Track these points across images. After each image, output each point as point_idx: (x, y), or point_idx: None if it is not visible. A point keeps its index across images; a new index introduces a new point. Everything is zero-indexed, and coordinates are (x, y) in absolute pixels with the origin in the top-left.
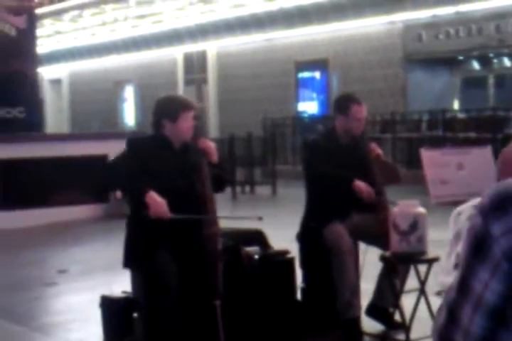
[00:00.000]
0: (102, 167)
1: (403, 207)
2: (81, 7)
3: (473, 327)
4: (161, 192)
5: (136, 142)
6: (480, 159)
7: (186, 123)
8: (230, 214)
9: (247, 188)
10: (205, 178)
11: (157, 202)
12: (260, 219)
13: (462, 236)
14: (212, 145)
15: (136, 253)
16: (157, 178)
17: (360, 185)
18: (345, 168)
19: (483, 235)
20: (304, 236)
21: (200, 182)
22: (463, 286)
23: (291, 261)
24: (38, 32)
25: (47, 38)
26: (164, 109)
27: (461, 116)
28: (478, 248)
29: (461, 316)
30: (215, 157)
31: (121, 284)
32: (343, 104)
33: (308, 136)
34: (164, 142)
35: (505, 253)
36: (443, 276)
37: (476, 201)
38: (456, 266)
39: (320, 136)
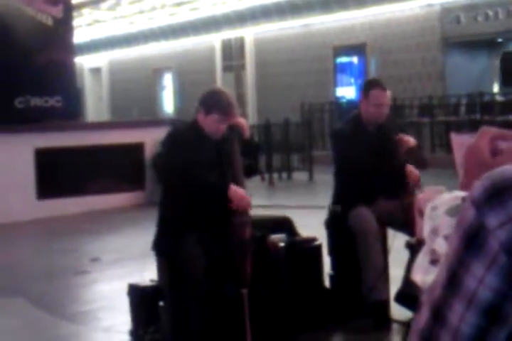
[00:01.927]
0: (155, 165)
1: (428, 192)
2: None
3: (464, 326)
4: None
5: (175, 131)
6: None
7: (214, 125)
8: (266, 200)
9: (284, 174)
10: (238, 168)
11: (241, 196)
12: None
13: (440, 232)
14: (243, 122)
15: (163, 240)
16: (196, 168)
17: (411, 169)
18: (371, 154)
19: (477, 227)
20: (332, 223)
21: (232, 171)
22: (453, 283)
23: (318, 248)
24: (77, 21)
25: (86, 27)
26: (204, 99)
27: (499, 99)
28: (471, 241)
29: (450, 315)
30: (247, 132)
31: (153, 272)
32: (365, 88)
33: (336, 125)
34: (198, 132)
35: (503, 245)
36: (421, 274)
37: (454, 194)
38: (432, 262)
39: (346, 124)
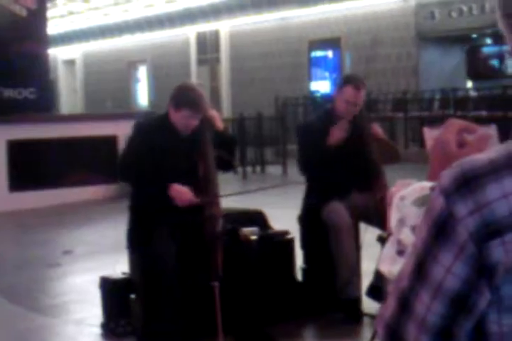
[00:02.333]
0: (117, 163)
1: (400, 186)
2: None
3: (430, 316)
4: (165, 173)
5: (142, 126)
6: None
7: (183, 120)
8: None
9: (258, 168)
10: (209, 160)
11: (181, 192)
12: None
13: (407, 222)
14: (215, 114)
15: (135, 234)
16: (162, 160)
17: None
18: (340, 148)
19: (446, 216)
20: (305, 217)
21: (203, 163)
22: (420, 272)
23: (290, 241)
24: (51, 12)
25: (60, 19)
26: (174, 94)
27: (472, 94)
28: (439, 230)
29: (416, 305)
30: (219, 124)
31: (125, 265)
32: (341, 83)
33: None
34: (168, 125)
35: (472, 234)
36: (388, 265)
37: (422, 184)
38: (399, 253)
39: (315, 118)
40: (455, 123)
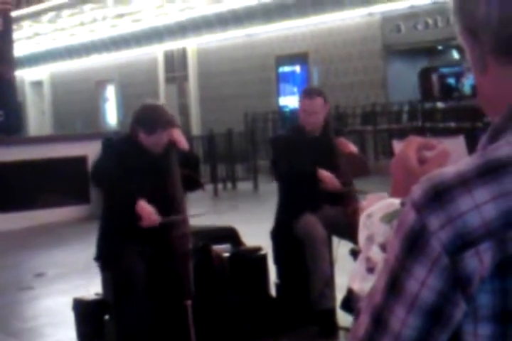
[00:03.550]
0: (90, 171)
1: (371, 199)
2: (59, 8)
3: (405, 330)
4: (133, 193)
5: (111, 143)
6: (451, 149)
7: (160, 140)
8: (211, 210)
9: (229, 184)
10: (176, 180)
11: (148, 211)
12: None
13: (375, 239)
14: (178, 135)
15: (104, 252)
16: (129, 179)
17: (324, 174)
18: (311, 160)
19: (418, 230)
20: (277, 232)
21: (170, 183)
22: (393, 287)
23: (263, 257)
24: (17, 34)
25: (26, 40)
26: (143, 119)
27: (440, 106)
28: (412, 244)
29: (391, 320)
30: (183, 144)
31: (98, 286)
32: (299, 96)
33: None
34: (136, 146)
35: (445, 246)
36: (359, 282)
37: (389, 201)
38: (369, 270)
39: (286, 131)
40: (414, 141)
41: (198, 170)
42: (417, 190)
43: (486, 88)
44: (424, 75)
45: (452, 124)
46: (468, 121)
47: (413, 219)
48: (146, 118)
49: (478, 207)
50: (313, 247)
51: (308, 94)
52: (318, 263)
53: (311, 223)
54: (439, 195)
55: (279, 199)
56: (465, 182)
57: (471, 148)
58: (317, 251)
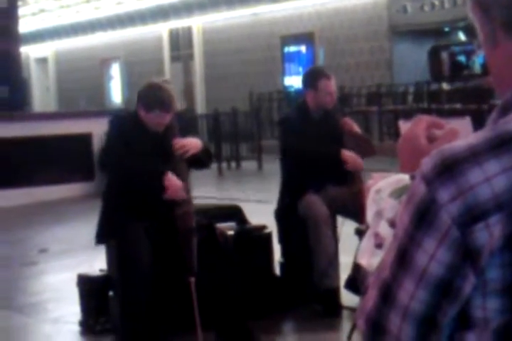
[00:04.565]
0: (99, 153)
1: (377, 179)
2: None
3: (414, 303)
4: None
5: (118, 120)
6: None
7: (156, 120)
8: (215, 190)
9: (233, 164)
10: (179, 159)
11: (176, 184)
12: None
13: (383, 215)
14: (190, 142)
15: (109, 227)
16: (134, 156)
17: (348, 154)
18: (318, 141)
19: (428, 203)
20: (282, 212)
21: (173, 162)
22: (402, 261)
23: (268, 236)
24: (22, 10)
25: (32, 17)
26: (143, 96)
27: (446, 87)
28: (422, 217)
29: (399, 294)
30: (194, 150)
31: (102, 263)
32: (312, 78)
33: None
34: (139, 123)
35: (455, 219)
36: (367, 258)
37: (398, 177)
38: (377, 245)
39: (292, 112)
40: (424, 119)
41: (210, 155)
42: (427, 163)
43: (496, 63)
44: (434, 53)
45: (458, 106)
46: (475, 103)
47: (423, 191)
48: (145, 95)
49: (489, 179)
50: (316, 227)
51: (325, 74)
52: (322, 242)
53: (314, 203)
54: (450, 168)
55: (283, 179)
56: (475, 155)
57: (478, 129)
58: (320, 231)
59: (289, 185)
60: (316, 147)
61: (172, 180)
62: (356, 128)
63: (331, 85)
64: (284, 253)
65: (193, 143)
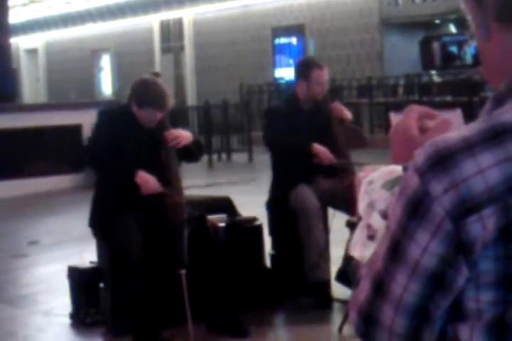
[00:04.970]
0: (85, 150)
1: (368, 171)
2: None
3: (407, 296)
4: (128, 163)
5: (107, 114)
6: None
7: (148, 117)
8: (206, 182)
9: (224, 155)
10: (170, 150)
11: (147, 180)
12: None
13: (376, 206)
14: (184, 134)
15: (99, 217)
16: (125, 150)
17: (319, 148)
18: (307, 132)
19: (421, 195)
20: (272, 204)
21: (164, 154)
22: (395, 253)
23: (258, 228)
24: (12, 1)
25: (22, 7)
26: (135, 91)
27: (437, 80)
28: (415, 209)
29: (392, 286)
30: (186, 142)
31: (92, 254)
32: (304, 68)
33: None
34: (131, 117)
35: (448, 211)
36: (359, 249)
37: (390, 168)
38: (370, 237)
39: (281, 103)
40: (415, 109)
41: (200, 147)
42: (420, 155)
43: (489, 55)
44: (425, 44)
45: (449, 98)
46: (465, 95)
47: (416, 183)
48: (137, 91)
49: (483, 171)
50: (307, 219)
51: (318, 64)
52: (312, 235)
53: (305, 195)
54: (443, 160)
55: (273, 171)
56: (469, 146)
57: (468, 121)
58: (310, 223)
59: (279, 176)
60: (289, 139)
61: (143, 177)
62: (347, 113)
63: (323, 75)
64: (275, 245)
65: (184, 135)
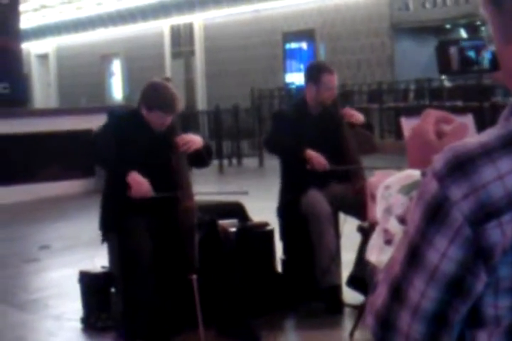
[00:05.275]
0: (90, 142)
1: (380, 176)
2: None
3: (425, 302)
4: (137, 168)
5: (116, 116)
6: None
7: (158, 120)
8: (216, 187)
9: (234, 160)
10: (181, 155)
11: (139, 182)
12: (246, 193)
13: (393, 211)
14: (189, 139)
15: (109, 220)
16: (133, 154)
17: (312, 154)
18: (313, 137)
19: (440, 200)
20: (283, 209)
21: (175, 159)
22: (413, 258)
23: (270, 233)
24: (24, 6)
25: (33, 13)
26: (145, 95)
27: (447, 85)
28: (433, 215)
29: (410, 292)
30: (196, 146)
31: (104, 259)
32: (314, 73)
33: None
34: (140, 121)
35: (467, 217)
36: (376, 254)
37: (407, 173)
38: (387, 242)
39: (290, 107)
40: (432, 114)
41: (210, 152)
42: (439, 160)
43: (508, 59)
44: (442, 48)
45: (459, 103)
46: (476, 101)
47: (435, 188)
48: (148, 95)
49: (502, 177)
50: (318, 223)
51: (328, 69)
52: (323, 239)
53: (316, 199)
54: (462, 165)
55: (283, 176)
56: (488, 152)
57: (479, 127)
58: (322, 228)
59: (289, 181)
60: (286, 143)
61: (135, 178)
62: (358, 117)
63: (333, 80)
64: (286, 250)
65: (195, 140)
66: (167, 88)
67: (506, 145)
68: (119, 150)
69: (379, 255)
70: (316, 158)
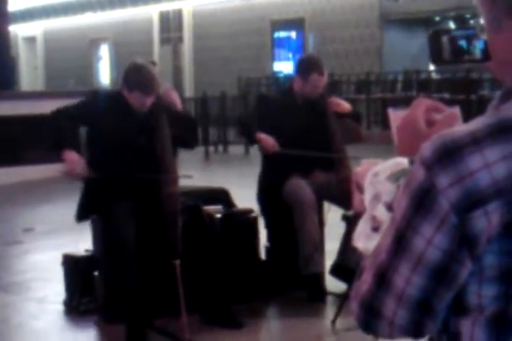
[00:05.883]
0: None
1: (366, 165)
2: None
3: (409, 289)
4: (119, 151)
5: (100, 95)
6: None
7: (137, 101)
8: (201, 174)
9: (220, 148)
10: (165, 138)
11: (72, 160)
12: (190, 177)
13: (381, 198)
14: (174, 96)
15: (93, 203)
16: (115, 137)
17: (262, 136)
18: (300, 126)
19: (427, 188)
20: (263, 196)
21: (158, 141)
22: (399, 245)
23: (254, 219)
24: None
25: None
26: (126, 75)
27: (435, 77)
28: (420, 202)
29: (395, 278)
30: (177, 105)
31: (87, 243)
32: (304, 69)
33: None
34: (124, 102)
35: (453, 205)
36: (363, 241)
37: (396, 160)
38: (374, 229)
39: (277, 94)
40: (423, 102)
41: (195, 134)
42: (427, 148)
43: (500, 49)
44: (435, 38)
45: (446, 95)
46: (463, 94)
47: (422, 176)
48: (128, 75)
49: (489, 166)
50: (302, 211)
51: (318, 69)
52: (307, 227)
53: (299, 187)
54: (450, 153)
55: (264, 162)
56: (476, 141)
57: (466, 119)
58: (305, 216)
59: (270, 167)
60: (247, 122)
61: (69, 155)
62: (345, 106)
63: (321, 80)
64: (270, 237)
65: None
66: (146, 69)
67: (494, 134)
68: (98, 132)
69: (366, 242)
70: (264, 139)
